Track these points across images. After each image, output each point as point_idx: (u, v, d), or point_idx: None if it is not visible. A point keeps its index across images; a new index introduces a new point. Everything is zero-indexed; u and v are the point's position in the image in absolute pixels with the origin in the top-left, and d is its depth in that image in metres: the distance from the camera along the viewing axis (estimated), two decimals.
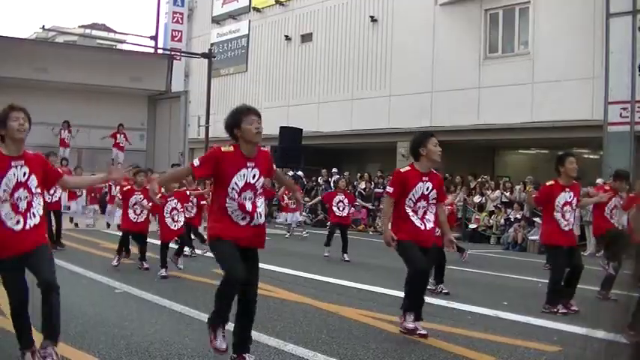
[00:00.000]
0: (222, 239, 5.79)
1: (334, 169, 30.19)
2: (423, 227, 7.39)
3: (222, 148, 5.91)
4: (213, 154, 5.91)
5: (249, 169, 5.81)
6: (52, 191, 13.89)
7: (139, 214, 12.44)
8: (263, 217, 5.95)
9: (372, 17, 31.52)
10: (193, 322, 7.56)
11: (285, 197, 20.56)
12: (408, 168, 7.52)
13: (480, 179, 24.92)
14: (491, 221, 22.42)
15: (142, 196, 12.40)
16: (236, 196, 5.77)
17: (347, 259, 15.05)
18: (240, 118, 5.83)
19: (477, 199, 23.51)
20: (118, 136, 27.41)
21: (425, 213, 7.44)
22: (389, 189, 7.60)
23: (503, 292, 10.51)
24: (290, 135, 29.47)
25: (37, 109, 25.13)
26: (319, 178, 30.04)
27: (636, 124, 21.52)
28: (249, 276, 5.72)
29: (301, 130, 29.96)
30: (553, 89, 23.61)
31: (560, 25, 23.83)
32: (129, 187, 12.64)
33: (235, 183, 5.75)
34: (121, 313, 8.11)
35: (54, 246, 13.63)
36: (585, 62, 23.09)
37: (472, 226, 22.77)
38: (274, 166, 6.36)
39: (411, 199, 7.37)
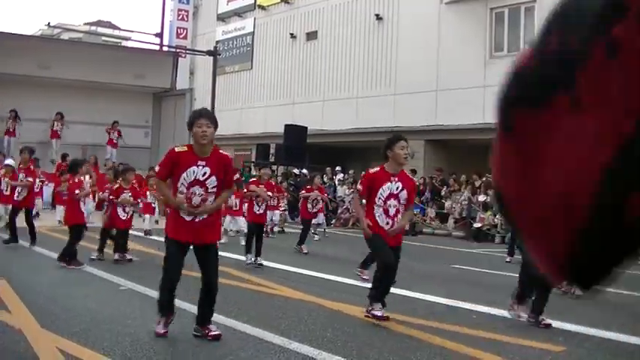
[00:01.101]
0: (170, 239, 6.68)
1: (338, 167, 30.17)
2: (388, 227, 7.83)
3: (176, 149, 6.76)
4: (168, 157, 6.74)
5: (200, 167, 6.50)
6: (18, 189, 14.06)
7: (127, 212, 12.71)
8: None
9: (377, 15, 31.50)
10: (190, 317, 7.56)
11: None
12: (377, 169, 8.02)
13: (484, 178, 24.86)
14: (495, 220, 22.37)
15: (130, 194, 12.66)
16: (184, 190, 6.50)
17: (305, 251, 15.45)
18: (193, 121, 6.57)
19: (481, 198, 23.46)
20: (112, 132, 27.36)
21: (397, 212, 7.88)
22: (359, 187, 8.23)
23: (508, 292, 10.48)
24: (295, 133, 29.45)
25: (40, 106, 25.14)
26: (324, 175, 29.98)
27: None
28: (206, 272, 6.64)
29: (306, 128, 29.93)
30: None
31: None
32: (118, 185, 12.83)
33: (184, 178, 6.49)
34: (126, 310, 8.11)
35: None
36: None
37: (477, 225, 22.73)
38: (233, 176, 7.40)
39: (380, 197, 7.81)
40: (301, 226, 17.03)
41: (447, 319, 8.06)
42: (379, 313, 7.71)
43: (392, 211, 7.80)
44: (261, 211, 13.20)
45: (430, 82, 28.28)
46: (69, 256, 11.55)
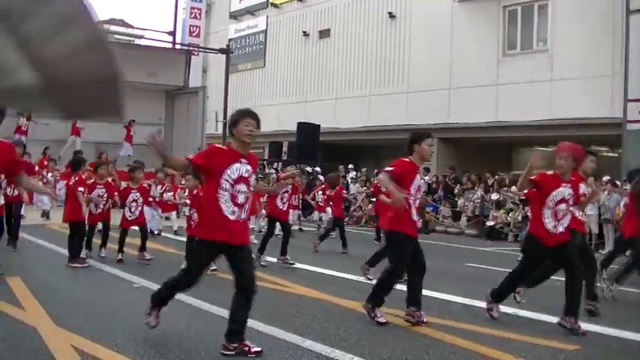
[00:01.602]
0: (204, 240, 6.32)
1: (350, 165, 30.15)
2: (415, 220, 7.84)
3: (216, 145, 6.58)
4: (209, 149, 6.49)
5: (243, 164, 6.21)
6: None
7: (133, 212, 12.64)
8: (246, 214, 6.34)
9: (390, 13, 31.46)
10: (210, 316, 7.58)
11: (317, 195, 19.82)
12: (408, 160, 7.76)
13: (497, 176, 24.81)
14: (508, 218, 22.31)
15: (138, 194, 12.62)
16: (229, 187, 6.14)
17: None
18: (239, 118, 6.26)
19: (494, 196, 23.41)
20: (131, 130, 27.38)
21: (416, 205, 7.83)
22: (389, 168, 7.67)
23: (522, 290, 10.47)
24: (307, 131, 29.42)
25: None
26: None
27: None
28: (243, 274, 6.19)
29: (319, 126, 29.89)
30: (571, 86, 23.49)
31: (580, 21, 23.68)
32: (125, 185, 12.79)
33: (229, 175, 6.13)
34: (139, 307, 8.12)
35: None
36: (604, 59, 22.94)
37: (490, 223, 22.69)
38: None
39: (410, 191, 7.64)
40: (321, 224, 17.35)
41: (460, 318, 8.05)
42: (382, 320, 7.61)
43: (416, 204, 7.80)
44: (284, 208, 13.19)
45: (443, 81, 28.24)
46: (72, 253, 11.53)
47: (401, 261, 7.79)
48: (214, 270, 10.45)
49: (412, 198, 7.64)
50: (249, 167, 6.26)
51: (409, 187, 7.58)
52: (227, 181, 6.13)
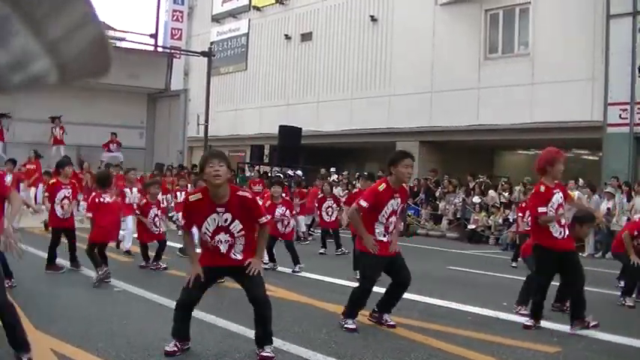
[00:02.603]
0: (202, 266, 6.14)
1: (332, 168, 30.12)
2: (385, 240, 7.59)
3: (190, 198, 6.19)
4: (185, 209, 6.27)
5: (220, 214, 5.99)
6: None
7: (160, 226, 12.63)
8: (240, 255, 6.16)
9: (372, 17, 31.49)
10: (192, 321, 7.54)
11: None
12: (384, 186, 7.61)
13: (478, 179, 24.89)
14: (489, 222, 22.38)
15: (159, 211, 12.57)
16: (209, 239, 6.04)
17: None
18: (204, 164, 5.94)
19: (475, 199, 23.47)
20: (111, 145, 27.25)
21: (393, 227, 7.71)
22: (363, 203, 7.54)
23: (502, 293, 10.50)
24: (289, 134, 29.38)
25: (34, 107, 24.90)
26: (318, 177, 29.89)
27: (636, 126, 21.53)
28: (250, 289, 6.22)
29: (300, 129, 29.88)
30: (553, 90, 23.60)
31: (561, 25, 23.81)
32: (145, 201, 12.66)
33: (206, 228, 6.02)
34: (121, 311, 8.10)
35: None
36: (585, 63, 23.08)
37: (471, 226, 22.75)
38: (258, 213, 6.25)
39: (383, 215, 7.55)
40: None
41: (441, 321, 8.06)
42: (352, 327, 7.45)
43: (391, 228, 7.61)
44: (288, 230, 13.30)
45: (425, 84, 28.30)
46: (49, 259, 11.35)
47: (366, 281, 7.73)
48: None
49: (383, 223, 7.56)
50: (228, 216, 6.06)
51: (380, 212, 7.51)
52: (206, 233, 6.12)
